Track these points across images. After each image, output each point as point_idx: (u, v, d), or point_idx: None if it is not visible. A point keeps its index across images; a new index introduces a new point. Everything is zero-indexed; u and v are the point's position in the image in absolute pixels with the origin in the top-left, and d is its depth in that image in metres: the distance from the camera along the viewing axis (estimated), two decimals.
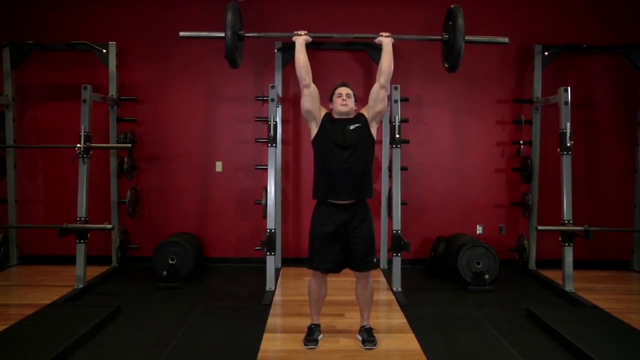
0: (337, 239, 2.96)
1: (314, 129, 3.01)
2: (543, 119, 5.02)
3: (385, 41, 3.05)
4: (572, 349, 2.99)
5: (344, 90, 3.02)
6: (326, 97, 3.11)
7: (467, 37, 3.02)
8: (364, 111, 3.04)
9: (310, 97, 2.99)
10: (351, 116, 3.04)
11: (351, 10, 5.17)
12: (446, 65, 3.27)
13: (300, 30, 3.10)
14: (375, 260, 3.05)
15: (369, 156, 3.00)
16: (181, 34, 3.25)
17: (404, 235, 4.29)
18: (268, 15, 5.15)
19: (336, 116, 3.03)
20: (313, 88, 3.00)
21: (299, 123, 5.24)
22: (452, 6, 3.08)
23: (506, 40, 3.31)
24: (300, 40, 3.05)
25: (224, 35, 2.95)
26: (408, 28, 5.17)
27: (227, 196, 5.23)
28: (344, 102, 2.99)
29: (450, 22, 3.06)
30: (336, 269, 3.02)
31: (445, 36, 3.13)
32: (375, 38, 3.11)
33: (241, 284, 4.58)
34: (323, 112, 3.04)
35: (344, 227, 2.94)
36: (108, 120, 4.97)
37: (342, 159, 2.91)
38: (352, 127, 2.97)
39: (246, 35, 3.12)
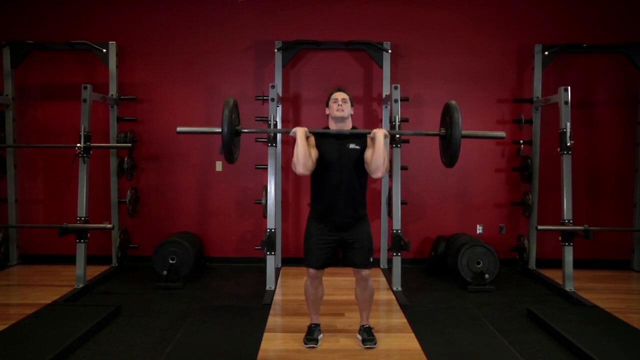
0: (332, 236, 2.97)
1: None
2: (543, 118, 5.02)
3: (379, 134, 2.84)
4: (572, 348, 2.99)
5: (339, 96, 2.98)
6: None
7: (464, 132, 2.98)
8: (369, 139, 2.94)
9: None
10: (348, 123, 2.99)
11: (352, 9, 5.17)
12: (444, 160, 3.20)
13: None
14: (371, 260, 3.04)
15: (365, 175, 2.97)
16: (178, 129, 3.22)
17: (404, 234, 4.29)
18: (268, 15, 5.16)
19: (333, 123, 3.00)
20: (313, 166, 2.88)
21: (299, 123, 5.24)
22: (448, 102, 3.03)
23: (503, 134, 3.31)
24: (301, 132, 2.86)
25: (220, 131, 2.91)
26: (408, 27, 5.18)
27: (227, 196, 5.23)
28: (340, 107, 2.95)
29: (448, 118, 3.00)
30: (329, 262, 3.00)
31: (443, 131, 3.08)
32: (369, 132, 2.92)
33: (241, 283, 4.58)
34: (312, 139, 2.97)
35: (341, 228, 2.97)
36: (108, 120, 4.97)
37: (339, 173, 2.92)
38: (351, 145, 2.94)
39: (243, 131, 3.10)
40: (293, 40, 4.99)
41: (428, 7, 5.18)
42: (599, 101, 5.23)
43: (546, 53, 4.93)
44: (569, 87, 4.32)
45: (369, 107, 5.22)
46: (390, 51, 4.96)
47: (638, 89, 5.12)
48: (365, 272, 3.00)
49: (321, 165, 2.92)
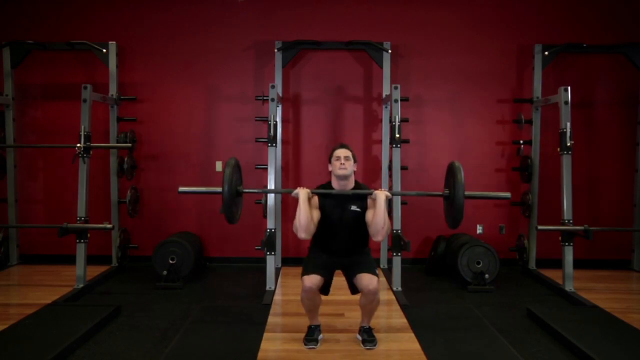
0: (333, 260, 3.02)
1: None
2: (543, 118, 5.02)
3: (381, 197, 2.84)
4: (572, 348, 2.99)
5: (342, 153, 2.97)
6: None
7: (467, 193, 2.93)
8: (370, 200, 2.94)
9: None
10: (351, 180, 2.99)
11: (352, 9, 5.17)
12: (447, 221, 3.13)
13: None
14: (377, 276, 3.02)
15: (366, 234, 2.99)
16: (180, 189, 3.20)
17: (404, 234, 4.29)
18: (268, 15, 5.16)
19: (335, 181, 2.99)
20: (314, 229, 2.91)
21: (299, 123, 5.24)
22: (452, 162, 3.02)
23: (508, 195, 3.23)
24: (303, 194, 2.87)
25: (221, 191, 2.87)
26: (408, 27, 5.18)
27: None
28: (342, 165, 2.94)
29: (451, 179, 2.99)
30: (325, 275, 2.97)
31: (446, 192, 3.06)
32: (371, 193, 2.94)
33: (241, 283, 4.58)
34: (315, 199, 2.98)
35: (342, 258, 3.03)
36: (108, 120, 4.97)
37: (340, 234, 2.98)
38: (352, 207, 2.96)
39: (244, 191, 3.07)
40: (293, 40, 4.99)
41: (428, 7, 5.18)
42: (599, 101, 5.23)
43: (546, 53, 4.94)
44: (569, 87, 4.33)
45: (369, 107, 5.22)
46: (390, 51, 4.96)
47: (638, 89, 5.12)
48: (373, 284, 2.89)
49: (322, 224, 2.95)
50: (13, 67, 4.98)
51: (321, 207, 2.97)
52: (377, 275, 2.96)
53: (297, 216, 2.85)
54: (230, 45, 5.19)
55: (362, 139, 5.19)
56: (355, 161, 3.02)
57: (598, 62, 5.19)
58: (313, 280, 2.91)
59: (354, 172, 3.01)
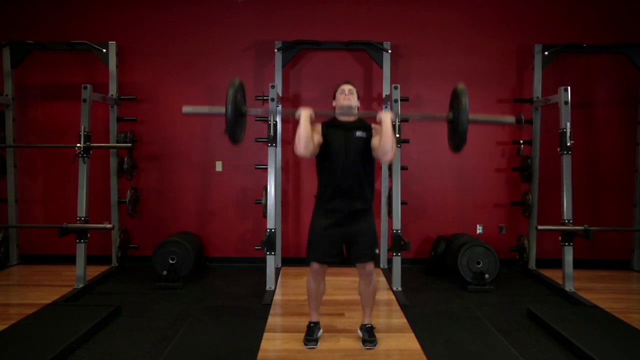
0: (337, 230, 2.96)
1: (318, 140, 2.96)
2: (543, 118, 5.02)
3: (386, 119, 2.84)
4: (572, 348, 2.99)
5: (346, 87, 3.03)
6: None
7: (471, 117, 2.90)
8: (374, 130, 2.97)
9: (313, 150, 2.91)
10: (355, 113, 3.00)
11: (352, 9, 5.17)
12: (451, 145, 3.11)
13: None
14: (377, 252, 3.05)
15: (371, 164, 3.00)
16: (184, 109, 3.17)
17: (404, 234, 4.29)
18: (268, 15, 5.16)
19: (339, 114, 3.00)
20: (314, 150, 2.90)
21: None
22: (457, 86, 2.99)
23: (512, 119, 3.24)
24: (305, 114, 2.88)
25: (224, 111, 2.88)
26: (408, 27, 5.18)
27: (227, 196, 5.23)
28: (346, 97, 3.00)
29: (455, 102, 2.96)
30: (335, 259, 2.99)
31: (450, 115, 3.03)
32: (376, 115, 2.93)
33: (241, 283, 4.58)
34: (318, 126, 2.99)
35: (345, 220, 2.96)
36: (108, 120, 4.97)
37: (345, 162, 2.93)
38: (358, 133, 2.95)
39: (248, 112, 3.08)
40: (293, 40, 4.99)
41: (428, 7, 5.19)
42: (599, 101, 5.23)
43: (546, 53, 4.94)
44: (569, 87, 4.32)
45: (369, 107, 5.22)
46: (390, 51, 4.96)
47: (638, 89, 5.12)
48: (369, 266, 3.00)
49: (328, 153, 2.95)
50: (13, 67, 4.98)
51: (326, 136, 2.96)
52: (374, 259, 3.03)
53: (297, 134, 2.86)
54: (230, 45, 5.19)
55: None
56: (359, 97, 3.07)
57: (598, 62, 5.19)
58: (322, 266, 3.03)
59: (358, 108, 3.04)
